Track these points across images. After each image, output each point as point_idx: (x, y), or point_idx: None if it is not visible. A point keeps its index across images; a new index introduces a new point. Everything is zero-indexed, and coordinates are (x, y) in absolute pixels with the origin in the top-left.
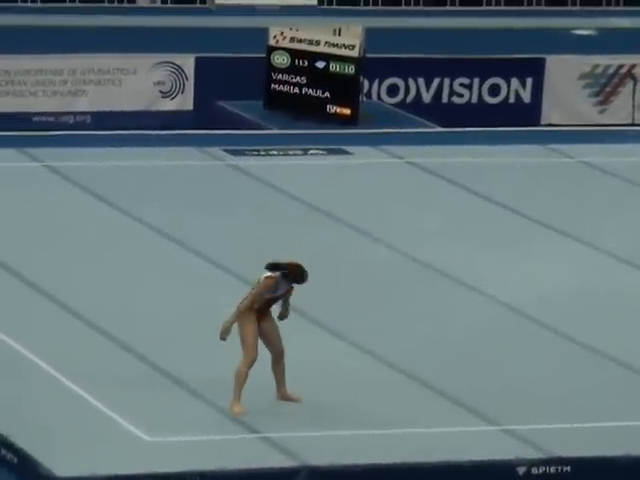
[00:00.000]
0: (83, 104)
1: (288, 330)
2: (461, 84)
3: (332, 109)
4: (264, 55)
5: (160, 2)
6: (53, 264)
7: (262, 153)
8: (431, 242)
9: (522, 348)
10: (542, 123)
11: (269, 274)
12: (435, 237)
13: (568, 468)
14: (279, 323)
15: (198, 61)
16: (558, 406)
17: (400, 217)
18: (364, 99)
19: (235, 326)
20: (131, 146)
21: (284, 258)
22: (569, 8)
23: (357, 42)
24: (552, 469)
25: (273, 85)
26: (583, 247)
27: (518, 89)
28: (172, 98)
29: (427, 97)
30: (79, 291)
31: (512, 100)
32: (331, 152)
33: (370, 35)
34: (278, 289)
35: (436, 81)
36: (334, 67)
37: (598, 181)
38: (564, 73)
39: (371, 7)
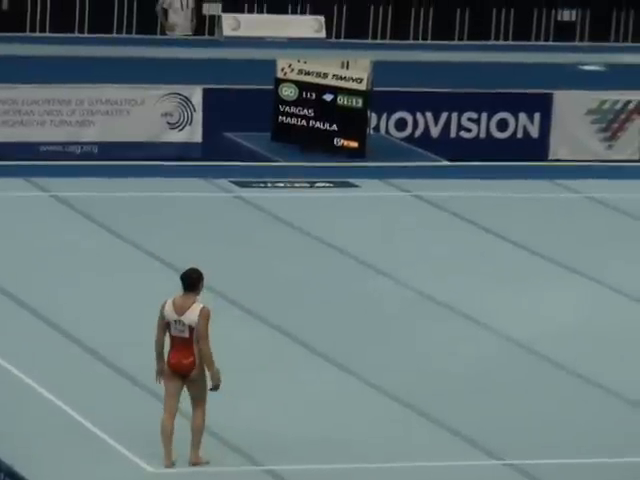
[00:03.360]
0: (91, 134)
1: (293, 362)
2: (469, 118)
3: (339, 142)
4: (272, 87)
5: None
6: (58, 294)
7: (269, 185)
8: (437, 276)
9: (527, 383)
10: (550, 158)
11: (199, 304)
12: (441, 271)
13: None
14: None
15: (206, 92)
16: (562, 441)
17: (406, 250)
18: (371, 132)
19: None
20: (138, 177)
21: (289, 291)
22: (577, 44)
23: (365, 75)
24: None
25: (281, 117)
26: (589, 282)
27: (526, 124)
28: (180, 129)
29: (435, 131)
30: (86, 321)
31: (520, 135)
32: (338, 185)
33: (378, 68)
34: None
35: (444, 115)
36: (342, 100)
37: (604, 217)
38: (572, 108)
39: (379, 41)
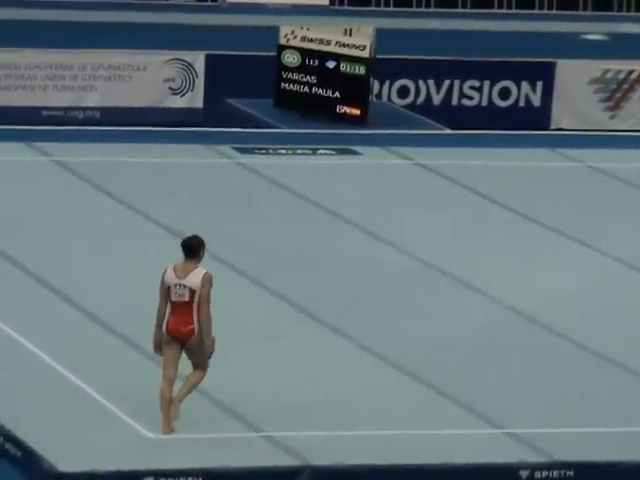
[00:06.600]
0: (93, 99)
1: (296, 330)
2: (471, 87)
3: (342, 109)
4: (275, 54)
5: None
6: (60, 259)
7: (271, 152)
8: (439, 244)
9: (528, 352)
10: (552, 127)
11: (202, 269)
12: (443, 239)
13: (571, 472)
14: None
15: (208, 58)
16: (562, 410)
17: (407, 218)
18: (374, 100)
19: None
20: (140, 142)
21: (290, 258)
22: (580, 13)
23: (368, 43)
24: (555, 473)
25: (283, 84)
26: (590, 252)
27: (528, 93)
28: (182, 95)
29: (437, 99)
30: (86, 287)
31: (522, 104)
32: (340, 152)
33: (381, 36)
34: None
35: (446, 83)
36: (344, 67)
37: (606, 186)
38: (574, 77)
39: (382, 8)
